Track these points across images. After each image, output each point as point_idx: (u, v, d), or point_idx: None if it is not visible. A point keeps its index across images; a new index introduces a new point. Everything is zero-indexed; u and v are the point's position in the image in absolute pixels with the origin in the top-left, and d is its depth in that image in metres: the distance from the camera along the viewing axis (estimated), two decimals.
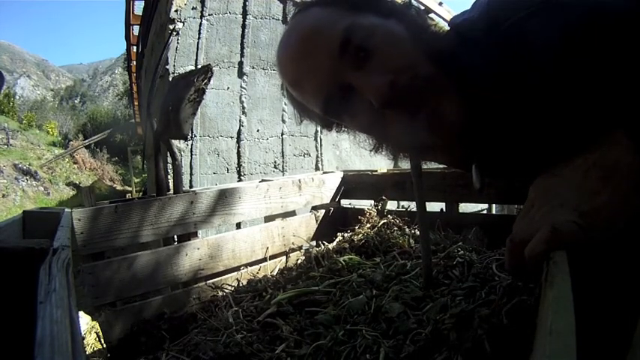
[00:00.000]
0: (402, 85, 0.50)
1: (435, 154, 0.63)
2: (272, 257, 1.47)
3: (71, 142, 20.14)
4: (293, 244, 1.53)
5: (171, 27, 2.98)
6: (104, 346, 1.11)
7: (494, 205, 2.89)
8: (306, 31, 0.57)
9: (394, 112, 0.52)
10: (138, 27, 6.19)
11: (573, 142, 0.46)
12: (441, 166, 1.27)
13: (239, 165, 3.18)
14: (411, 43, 0.54)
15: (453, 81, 0.51)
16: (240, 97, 3.22)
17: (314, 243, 1.56)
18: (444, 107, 0.52)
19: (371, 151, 0.64)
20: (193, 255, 1.26)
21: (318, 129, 3.61)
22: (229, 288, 1.28)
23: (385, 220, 1.47)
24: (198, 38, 3.05)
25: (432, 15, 4.17)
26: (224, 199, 1.34)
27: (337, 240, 1.45)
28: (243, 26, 3.26)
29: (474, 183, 0.67)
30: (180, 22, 3.01)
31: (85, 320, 1.74)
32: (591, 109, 0.45)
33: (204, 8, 3.08)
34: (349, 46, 0.53)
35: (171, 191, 1.29)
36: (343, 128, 0.67)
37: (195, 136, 3.00)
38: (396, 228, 1.42)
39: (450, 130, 0.53)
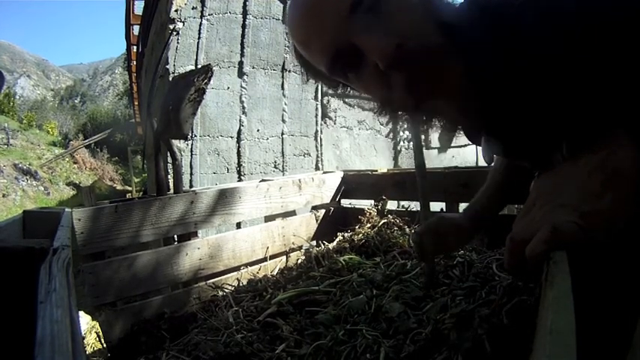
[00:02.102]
0: (408, 49, 0.50)
1: (437, 121, 0.63)
2: (272, 257, 1.47)
3: (71, 142, 20.15)
4: (293, 243, 1.53)
5: (171, 27, 2.99)
6: (104, 345, 1.11)
7: None
8: None
9: (399, 74, 0.52)
10: (138, 27, 6.20)
11: (577, 126, 0.46)
12: (442, 166, 1.27)
13: (239, 165, 3.19)
14: (422, 9, 0.54)
15: (460, 52, 0.51)
16: (241, 97, 3.22)
17: (314, 243, 1.56)
18: (449, 74, 0.52)
19: (374, 113, 0.64)
20: (193, 255, 1.26)
21: (318, 129, 3.61)
22: (229, 288, 1.28)
23: (385, 220, 1.47)
24: (199, 38, 3.06)
25: None
26: (224, 198, 1.34)
27: (337, 240, 1.45)
28: (244, 26, 3.26)
29: (483, 156, 0.67)
30: (181, 21, 3.01)
31: (85, 320, 1.75)
32: (597, 95, 0.45)
33: (205, 8, 3.08)
34: (359, 7, 0.53)
35: (172, 191, 1.29)
36: (348, 89, 0.67)
37: (195, 135, 3.00)
38: (396, 228, 1.42)
39: (452, 97, 0.53)
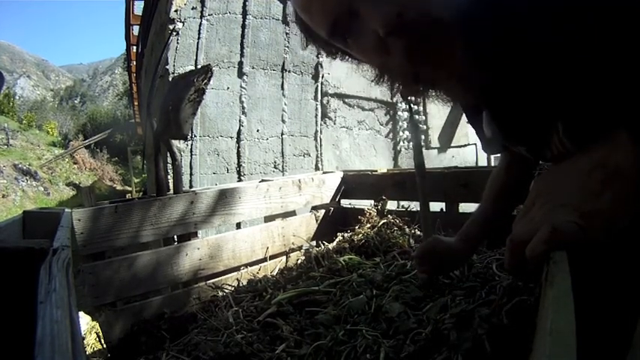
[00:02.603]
0: (409, 18, 0.50)
1: (435, 92, 0.63)
2: (272, 257, 1.47)
3: (71, 142, 20.15)
4: (293, 244, 1.53)
5: (171, 27, 2.99)
6: (104, 346, 1.11)
7: None
8: None
9: (398, 41, 0.53)
10: (138, 27, 6.20)
11: (574, 108, 0.47)
12: (442, 165, 1.27)
13: (239, 165, 3.19)
14: None
15: (460, 27, 0.51)
16: (240, 97, 3.22)
17: (314, 243, 1.56)
18: (448, 47, 0.52)
19: (372, 81, 0.64)
20: (193, 255, 1.26)
21: (318, 129, 3.61)
22: (229, 288, 1.28)
23: (385, 220, 1.46)
24: (198, 38, 3.06)
25: None
26: (224, 199, 1.34)
27: (337, 240, 1.45)
28: (243, 26, 3.26)
29: (485, 131, 0.67)
30: (180, 22, 3.01)
31: (85, 320, 1.75)
32: (596, 81, 0.46)
33: (204, 8, 3.08)
34: None
35: (171, 191, 1.29)
36: (347, 57, 0.67)
37: (195, 136, 3.00)
38: (396, 228, 1.42)
39: (452, 70, 0.53)
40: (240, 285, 1.31)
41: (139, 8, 5.90)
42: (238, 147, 3.19)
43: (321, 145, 3.61)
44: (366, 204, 1.65)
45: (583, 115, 0.47)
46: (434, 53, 0.52)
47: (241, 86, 3.23)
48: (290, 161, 3.44)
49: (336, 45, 0.62)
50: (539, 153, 0.58)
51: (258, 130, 3.30)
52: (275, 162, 3.38)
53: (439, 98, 0.61)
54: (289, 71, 3.46)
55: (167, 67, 2.95)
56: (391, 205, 1.61)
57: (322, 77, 3.61)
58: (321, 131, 3.62)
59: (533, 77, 0.50)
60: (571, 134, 0.49)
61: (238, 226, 1.48)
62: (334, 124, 3.74)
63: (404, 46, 0.52)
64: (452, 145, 4.57)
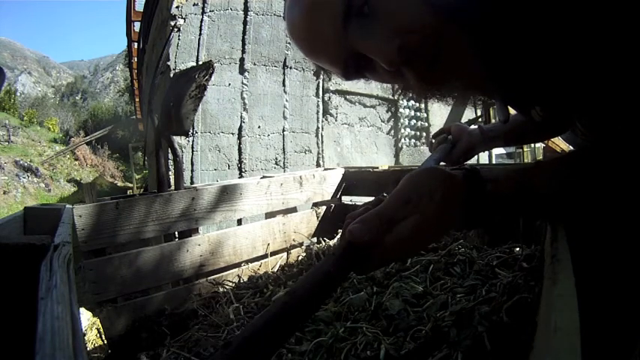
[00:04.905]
0: (411, 46, 0.50)
1: (454, 96, 0.63)
2: (273, 254, 1.47)
3: (72, 139, 20.18)
4: (294, 240, 1.53)
5: (172, 23, 2.98)
6: (105, 342, 1.11)
7: None
8: (308, 6, 0.56)
9: (410, 72, 0.53)
10: (139, 23, 6.19)
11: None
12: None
13: (240, 161, 3.18)
14: None
15: (465, 29, 0.50)
16: (242, 94, 3.21)
17: (315, 239, 1.56)
18: (459, 57, 0.51)
19: (397, 96, 0.66)
20: (194, 251, 1.26)
21: (320, 125, 3.61)
22: (230, 284, 1.28)
23: None
24: (200, 34, 3.05)
25: None
26: (225, 195, 1.34)
27: (338, 236, 1.45)
28: (245, 22, 3.25)
29: (498, 115, 0.69)
30: (182, 18, 3.00)
31: (86, 316, 1.75)
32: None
33: (206, 4, 3.07)
34: (351, 14, 0.52)
35: (173, 187, 1.28)
36: (369, 80, 0.67)
37: (196, 132, 3.00)
38: None
39: (465, 74, 0.54)
40: (241, 281, 1.31)
41: (140, 4, 5.90)
42: (239, 143, 3.19)
43: (322, 142, 3.61)
44: (367, 201, 1.64)
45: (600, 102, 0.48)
46: (448, 67, 0.52)
47: (243, 82, 3.22)
48: (291, 158, 3.44)
49: (354, 76, 0.63)
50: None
51: (259, 127, 3.30)
52: (276, 158, 3.38)
53: (460, 97, 0.62)
54: (291, 68, 3.45)
55: (168, 63, 2.95)
56: None
57: (323, 74, 3.60)
58: (322, 128, 3.61)
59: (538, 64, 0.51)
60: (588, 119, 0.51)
61: (239, 222, 1.48)
62: (335, 120, 3.74)
63: (415, 74, 0.52)
64: None
